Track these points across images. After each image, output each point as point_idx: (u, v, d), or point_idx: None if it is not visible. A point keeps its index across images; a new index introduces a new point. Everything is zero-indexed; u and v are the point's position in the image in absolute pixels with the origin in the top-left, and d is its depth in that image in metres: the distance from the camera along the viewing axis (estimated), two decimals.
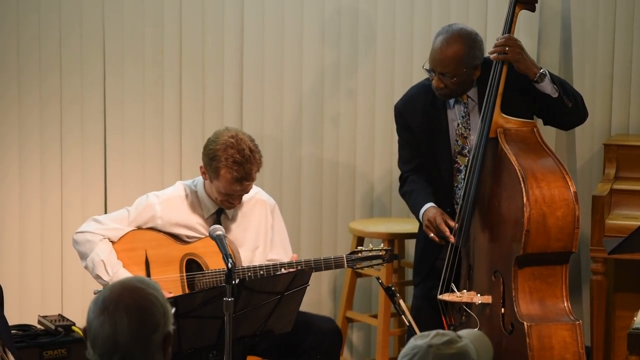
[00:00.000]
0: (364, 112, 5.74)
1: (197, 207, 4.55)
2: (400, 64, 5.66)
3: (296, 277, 3.95)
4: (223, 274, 4.04)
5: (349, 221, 5.67)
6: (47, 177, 5.68)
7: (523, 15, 4.55)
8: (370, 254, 4.53)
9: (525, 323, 4.24)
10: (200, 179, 4.56)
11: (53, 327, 4.86)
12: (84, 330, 2.54)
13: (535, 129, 4.45)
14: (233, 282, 3.66)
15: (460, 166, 4.64)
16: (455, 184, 4.67)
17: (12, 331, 4.60)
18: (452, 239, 4.48)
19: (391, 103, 5.36)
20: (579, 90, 4.68)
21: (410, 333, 3.90)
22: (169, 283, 4.42)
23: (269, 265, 4.42)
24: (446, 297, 4.47)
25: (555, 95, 4.44)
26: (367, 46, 5.70)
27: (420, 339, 2.43)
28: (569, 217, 4.28)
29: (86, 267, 4.47)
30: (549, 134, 5.25)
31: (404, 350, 2.43)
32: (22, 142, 5.64)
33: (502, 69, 4.42)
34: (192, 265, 4.50)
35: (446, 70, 4.50)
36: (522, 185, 4.24)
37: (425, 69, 4.58)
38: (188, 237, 4.53)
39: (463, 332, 2.51)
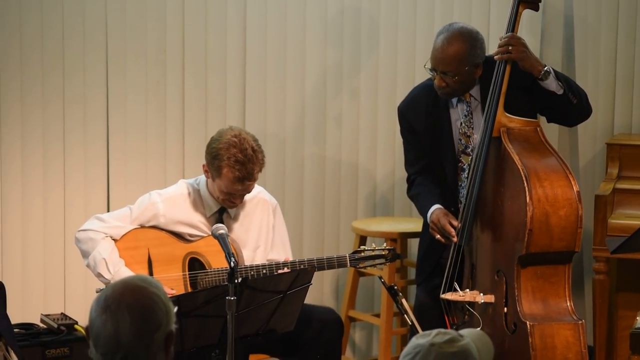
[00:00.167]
0: (367, 112, 5.74)
1: (200, 205, 4.55)
2: (403, 64, 5.66)
3: (299, 276, 3.95)
4: (225, 272, 4.04)
5: (351, 220, 5.67)
6: (50, 175, 5.69)
7: (526, 14, 4.54)
8: (372, 254, 4.54)
9: (527, 322, 4.23)
10: (202, 177, 4.56)
11: (55, 325, 4.85)
12: (87, 329, 2.54)
13: (538, 128, 4.45)
14: (236, 281, 3.66)
15: (464, 165, 4.64)
16: (459, 183, 4.66)
17: (15, 330, 4.60)
18: (456, 239, 4.47)
19: (394, 102, 5.36)
20: None
21: (413, 332, 3.90)
22: (172, 282, 4.42)
23: (272, 264, 4.42)
24: (449, 296, 4.47)
25: (561, 92, 4.44)
26: (370, 46, 5.70)
27: (422, 338, 2.43)
28: (572, 217, 4.27)
29: (88, 265, 4.47)
30: (552, 133, 5.25)
31: (406, 349, 2.43)
32: (24, 141, 5.64)
33: (505, 68, 4.42)
34: (194, 264, 4.50)
35: (448, 69, 4.49)
36: (525, 184, 4.24)
37: (427, 69, 4.57)
38: (190, 235, 4.53)
39: (464, 332, 2.51)
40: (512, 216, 4.31)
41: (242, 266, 4.41)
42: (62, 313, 5.09)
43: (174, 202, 4.53)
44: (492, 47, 4.71)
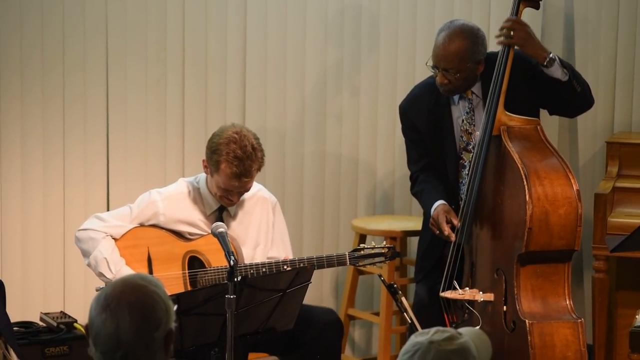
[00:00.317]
0: (367, 110, 5.74)
1: (200, 204, 4.55)
2: (403, 62, 5.66)
3: (298, 275, 3.95)
4: (225, 271, 4.04)
5: (351, 218, 5.67)
6: (50, 173, 5.68)
7: (526, 12, 4.54)
8: (372, 252, 4.53)
9: (527, 321, 4.24)
10: (202, 176, 4.56)
11: (55, 324, 4.85)
12: (86, 327, 2.54)
13: (538, 127, 4.45)
14: (235, 279, 3.66)
15: (465, 162, 4.64)
16: (460, 180, 4.67)
17: (14, 328, 4.60)
18: (451, 237, 4.46)
19: (394, 100, 5.36)
20: None
21: (412, 330, 3.89)
22: (172, 280, 4.42)
23: (272, 263, 4.42)
24: (448, 294, 4.47)
25: (565, 78, 4.40)
26: (370, 44, 5.70)
27: (421, 336, 2.43)
28: (571, 215, 4.27)
29: (89, 265, 4.47)
30: (552, 131, 5.26)
31: (405, 347, 2.43)
32: (24, 139, 5.64)
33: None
34: (194, 263, 4.50)
35: (449, 66, 4.49)
36: (525, 182, 4.24)
37: (429, 66, 4.57)
38: (190, 234, 4.53)
39: (462, 330, 2.51)
40: (512, 214, 4.31)
41: (242, 264, 4.41)
42: (61, 311, 5.09)
43: (174, 200, 4.53)
44: (492, 46, 4.70)
